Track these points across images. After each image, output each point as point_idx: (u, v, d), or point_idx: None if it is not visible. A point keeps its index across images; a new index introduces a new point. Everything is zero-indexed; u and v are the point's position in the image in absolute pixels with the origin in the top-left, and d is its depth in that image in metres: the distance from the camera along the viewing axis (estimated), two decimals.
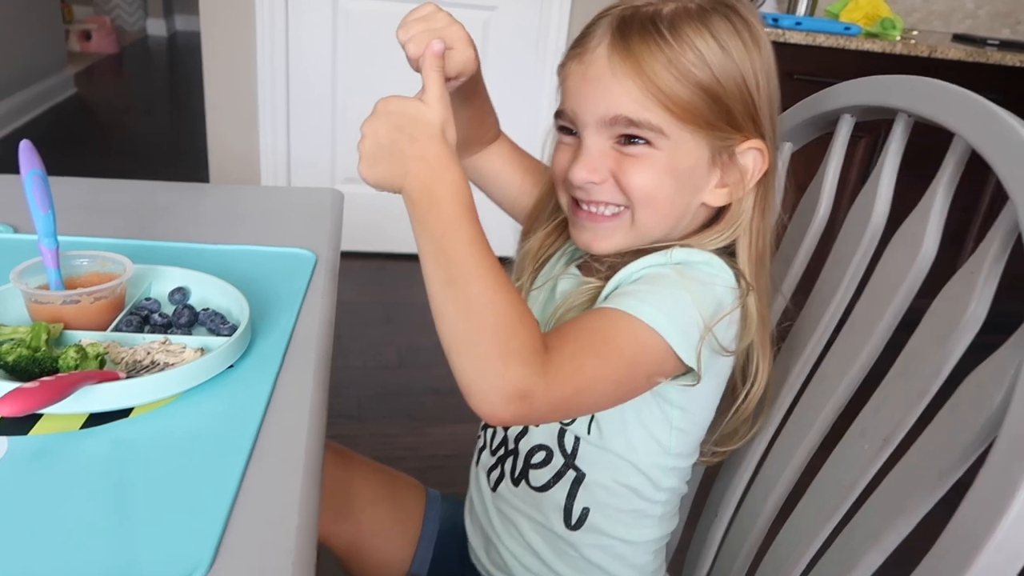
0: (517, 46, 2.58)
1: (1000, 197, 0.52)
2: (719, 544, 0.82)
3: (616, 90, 0.63)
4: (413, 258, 2.40)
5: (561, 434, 0.72)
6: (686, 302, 0.61)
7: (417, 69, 0.62)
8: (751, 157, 0.66)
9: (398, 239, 2.69)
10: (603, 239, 0.68)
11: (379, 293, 2.58)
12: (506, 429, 0.78)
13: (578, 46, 0.66)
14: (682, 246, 0.66)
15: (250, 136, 2.60)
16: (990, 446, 0.49)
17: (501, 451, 0.78)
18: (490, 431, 0.81)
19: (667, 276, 0.64)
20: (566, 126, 0.68)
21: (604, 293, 0.66)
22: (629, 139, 0.64)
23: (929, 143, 0.74)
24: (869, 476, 0.62)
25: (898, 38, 2.23)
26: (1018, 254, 0.57)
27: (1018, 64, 2.19)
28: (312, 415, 0.59)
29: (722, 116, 0.63)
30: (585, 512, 0.73)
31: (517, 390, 0.53)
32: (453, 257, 0.55)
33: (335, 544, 0.85)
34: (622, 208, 0.66)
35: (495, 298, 0.54)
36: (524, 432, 0.75)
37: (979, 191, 2.30)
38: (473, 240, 0.55)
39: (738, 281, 0.65)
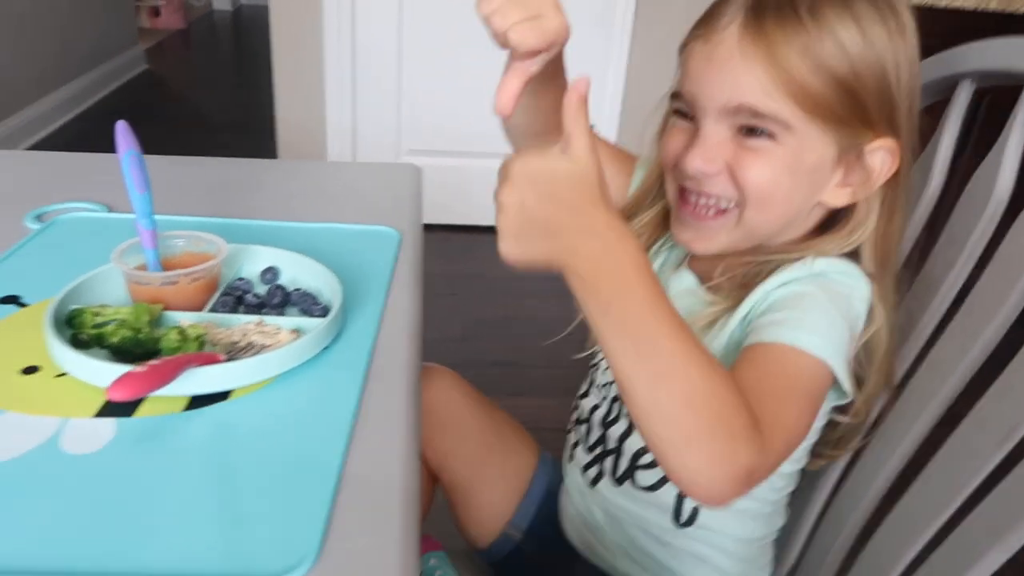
0: (580, 21, 2.51)
1: None
2: (809, 532, 0.79)
3: (744, 76, 0.58)
4: (477, 230, 2.40)
5: None
6: (838, 321, 0.58)
7: (504, 45, 0.56)
8: (879, 157, 0.61)
9: (463, 211, 2.68)
10: (705, 239, 0.64)
11: (443, 266, 2.58)
12: (605, 428, 0.75)
13: (705, 24, 0.61)
14: (818, 255, 0.62)
15: (317, 110, 2.61)
16: None
17: (599, 449, 0.76)
18: (583, 427, 0.79)
19: (812, 294, 0.59)
20: (682, 109, 0.64)
21: (740, 315, 0.62)
22: (750, 130, 0.59)
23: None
24: (990, 468, 0.58)
25: None
26: None
27: None
28: (408, 400, 0.59)
29: (856, 112, 0.59)
30: (695, 511, 0.71)
31: (745, 471, 0.48)
32: (659, 347, 0.47)
33: (444, 479, 0.85)
34: (731, 205, 0.62)
35: (713, 383, 0.48)
36: (628, 432, 0.73)
37: None
38: (672, 320, 0.47)
39: (874, 294, 0.62)
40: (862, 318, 0.61)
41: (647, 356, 0.47)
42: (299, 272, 0.73)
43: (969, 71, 0.69)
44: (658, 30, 2.48)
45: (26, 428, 0.52)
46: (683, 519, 0.71)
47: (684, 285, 0.70)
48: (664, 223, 0.71)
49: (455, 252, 2.68)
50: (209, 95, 4.42)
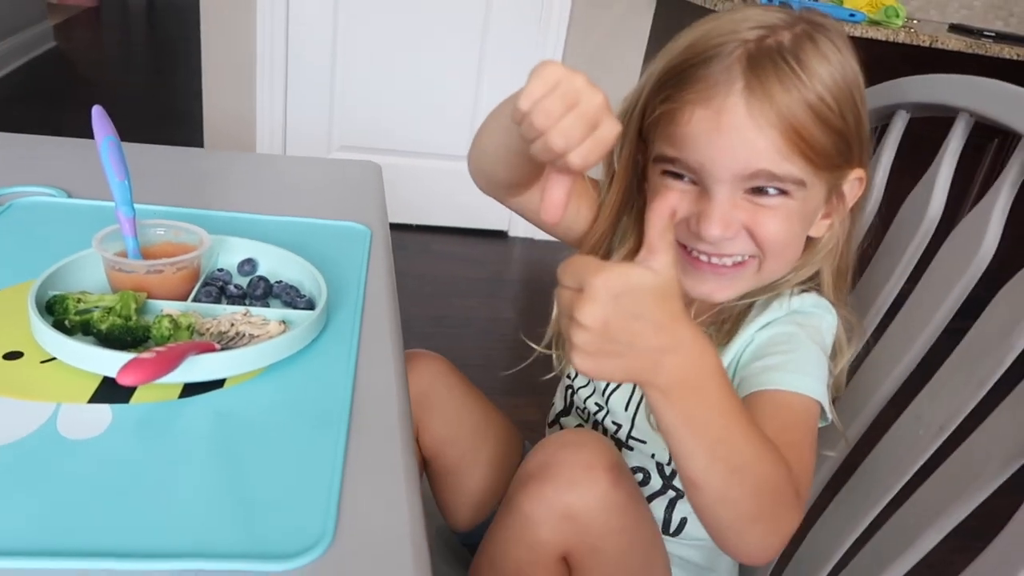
0: (514, 28, 2.55)
1: None
2: None
3: (759, 143, 0.58)
4: (407, 228, 2.40)
5: (660, 465, 0.73)
6: (821, 358, 0.62)
7: (543, 159, 0.50)
8: (851, 186, 0.66)
9: (394, 210, 2.67)
10: (727, 288, 0.65)
11: None
12: None
13: (694, 88, 0.59)
14: (796, 293, 0.66)
15: (247, 101, 2.56)
16: None
17: None
18: None
19: (796, 335, 0.63)
20: (676, 172, 0.63)
21: (727, 361, 0.65)
22: (762, 189, 0.61)
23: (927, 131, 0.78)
24: (922, 460, 0.65)
25: (900, 26, 2.26)
26: None
27: (1015, 57, 2.24)
28: (399, 389, 0.61)
29: (844, 154, 0.62)
30: (683, 522, 0.74)
31: (791, 532, 0.52)
32: (735, 447, 0.48)
33: (437, 464, 0.83)
34: (747, 257, 0.64)
35: (774, 469, 0.50)
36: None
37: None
38: (743, 417, 0.49)
39: (843, 321, 0.67)
40: (830, 346, 0.67)
41: (724, 456, 0.48)
42: (278, 264, 0.73)
43: (906, 103, 0.76)
44: (591, 40, 2.55)
45: (20, 413, 0.52)
46: (671, 530, 0.74)
47: None
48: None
49: None
50: (123, 79, 4.24)
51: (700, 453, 0.48)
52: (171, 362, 0.52)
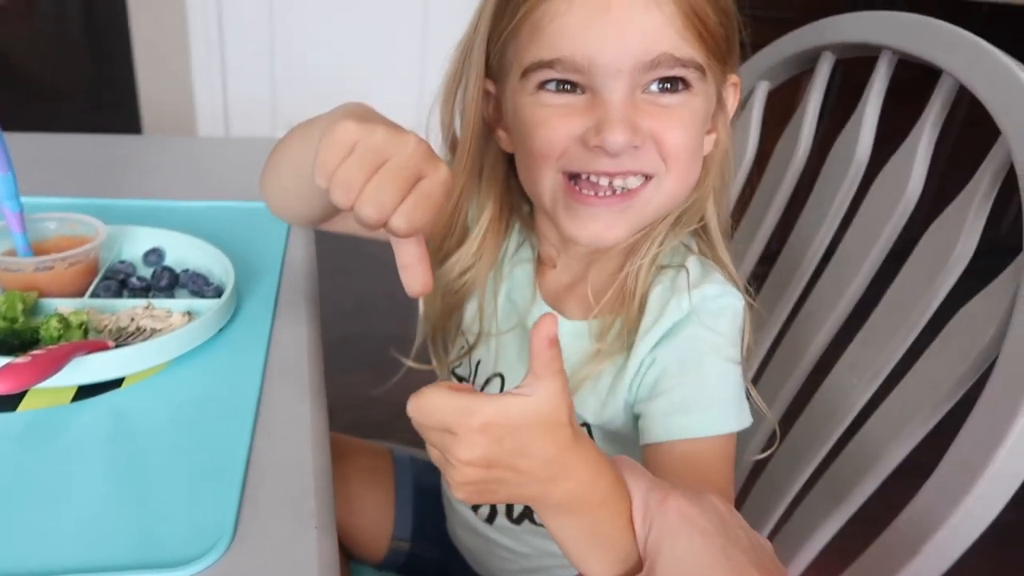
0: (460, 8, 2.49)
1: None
2: None
3: (659, 22, 0.48)
4: None
5: None
6: (732, 371, 0.54)
7: (367, 231, 0.44)
8: (730, 94, 0.57)
9: None
10: (620, 223, 0.53)
11: (333, 241, 2.53)
12: None
13: None
14: (691, 282, 0.55)
15: (183, 84, 2.48)
16: (984, 377, 0.52)
17: None
18: None
19: (701, 349, 0.53)
20: (561, 79, 0.51)
21: (629, 378, 0.55)
22: (663, 85, 0.50)
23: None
24: (859, 407, 0.64)
25: None
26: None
27: None
28: (311, 373, 0.58)
29: (731, 44, 0.53)
30: None
31: None
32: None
33: None
34: (641, 182, 0.53)
35: None
36: None
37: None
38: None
39: (747, 301, 0.58)
40: (741, 336, 0.57)
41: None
42: (186, 252, 0.70)
43: (831, 44, 0.74)
44: None
45: None
46: None
47: (563, 328, 0.56)
48: (502, 229, 0.62)
49: None
50: (58, 66, 4.07)
51: (608, 563, 0.42)
52: (50, 365, 0.48)
